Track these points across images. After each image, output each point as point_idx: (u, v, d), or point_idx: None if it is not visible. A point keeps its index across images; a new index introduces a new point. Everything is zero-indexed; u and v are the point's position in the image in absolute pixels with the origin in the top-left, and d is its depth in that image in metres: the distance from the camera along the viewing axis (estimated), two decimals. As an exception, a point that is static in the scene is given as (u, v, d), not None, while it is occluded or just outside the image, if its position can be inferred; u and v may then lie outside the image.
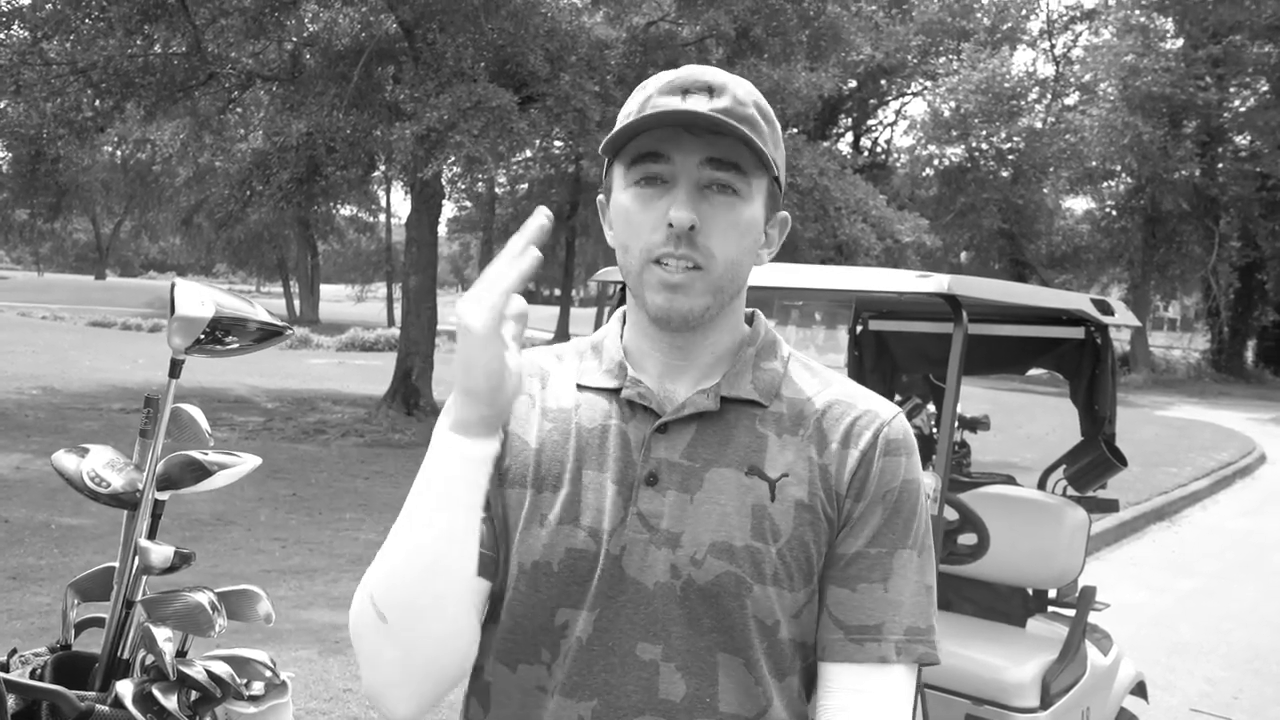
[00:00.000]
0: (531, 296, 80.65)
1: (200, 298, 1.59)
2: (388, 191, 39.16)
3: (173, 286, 1.63)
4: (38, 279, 58.47)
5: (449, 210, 44.23)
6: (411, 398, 12.78)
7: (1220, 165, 29.23)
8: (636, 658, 1.03)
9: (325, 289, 50.38)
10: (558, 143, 15.09)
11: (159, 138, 14.87)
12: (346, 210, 37.12)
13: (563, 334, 34.61)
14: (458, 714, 4.17)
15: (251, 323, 1.65)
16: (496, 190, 35.03)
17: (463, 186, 23.92)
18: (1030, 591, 3.40)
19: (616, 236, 1.10)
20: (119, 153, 24.56)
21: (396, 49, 12.11)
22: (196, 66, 11.67)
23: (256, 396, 14.22)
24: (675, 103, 1.04)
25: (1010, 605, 3.38)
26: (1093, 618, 3.31)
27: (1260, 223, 28.87)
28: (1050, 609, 3.47)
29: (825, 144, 23.69)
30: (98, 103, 11.85)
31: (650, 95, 1.06)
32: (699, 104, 1.03)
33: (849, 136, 37.80)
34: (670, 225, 1.02)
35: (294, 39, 12.57)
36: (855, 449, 1.08)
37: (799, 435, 1.10)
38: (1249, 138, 29.21)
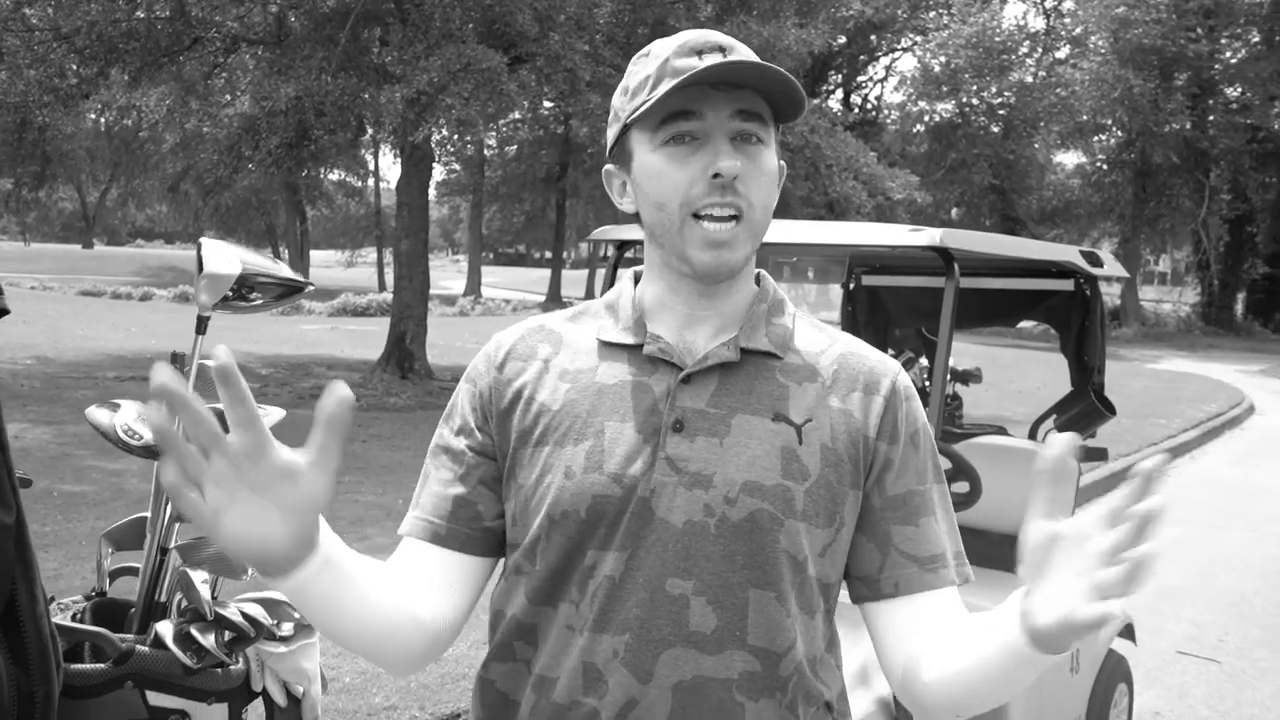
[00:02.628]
0: (522, 259, 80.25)
1: (227, 255, 1.63)
2: (375, 155, 38.93)
3: (199, 246, 1.68)
4: (24, 249, 58.08)
5: (438, 173, 43.99)
6: (406, 361, 12.82)
7: (1211, 118, 29.16)
8: (666, 593, 1.08)
9: (315, 254, 50.18)
10: (547, 103, 14.98)
11: (144, 104, 14.73)
12: (335, 175, 36.92)
13: (555, 296, 34.55)
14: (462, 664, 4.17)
15: (275, 278, 1.70)
16: (485, 152, 34.81)
17: (451, 149, 23.82)
18: (1021, 538, 3.47)
19: (648, 196, 1.13)
20: (103, 120, 24.34)
21: (383, 10, 11.99)
22: (181, 31, 11.55)
23: (250, 363, 14.24)
24: (694, 63, 1.08)
25: (1002, 552, 3.45)
26: (1082, 563, 3.38)
27: (1250, 175, 28.89)
28: (1041, 555, 3.54)
29: (815, 101, 23.58)
30: (82, 69, 11.74)
31: (667, 59, 1.10)
32: (715, 62, 1.07)
33: (839, 93, 37.62)
34: (717, 175, 1.07)
35: (278, 1, 12.44)
36: (879, 396, 1.17)
37: (817, 383, 1.16)
38: (1239, 89, 29.15)
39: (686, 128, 1.09)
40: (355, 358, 15.16)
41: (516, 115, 17.01)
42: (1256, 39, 29.15)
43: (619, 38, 11.56)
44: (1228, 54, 29.44)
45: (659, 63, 1.10)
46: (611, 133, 1.18)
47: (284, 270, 1.74)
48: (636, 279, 1.24)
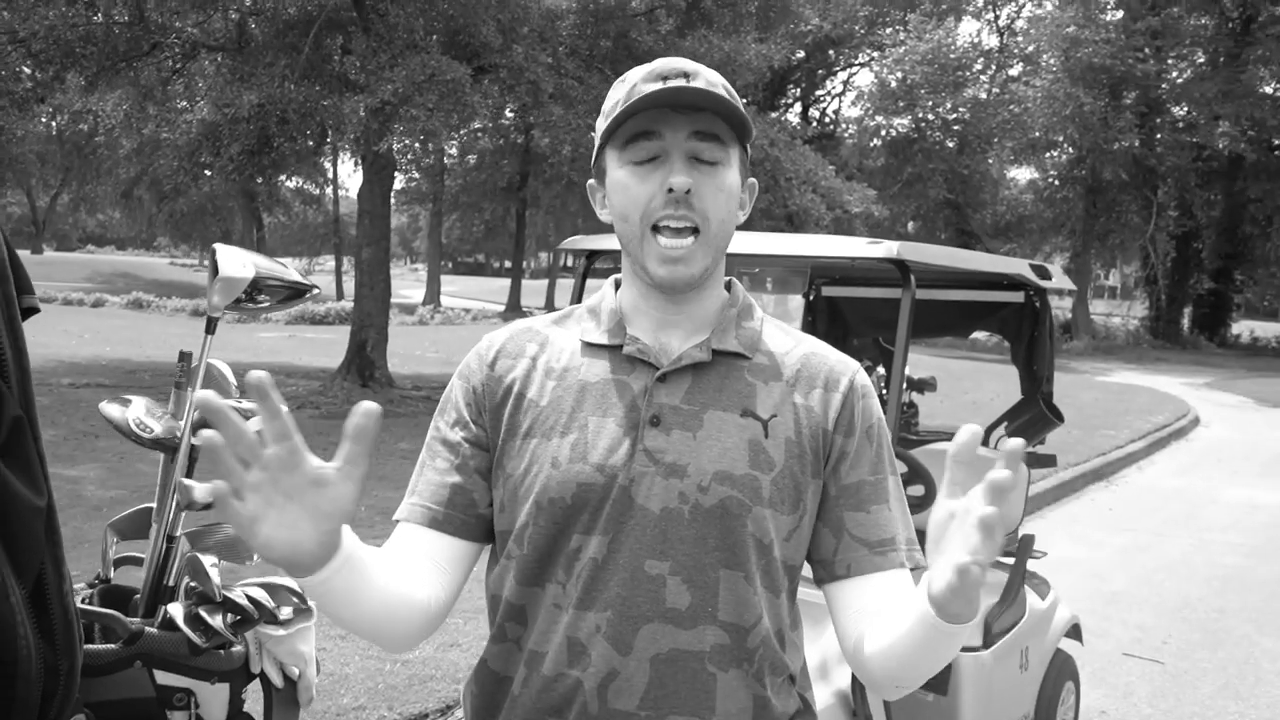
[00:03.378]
0: (481, 269, 79.98)
1: (241, 260, 1.72)
2: (335, 163, 38.67)
3: (214, 251, 1.76)
4: (-29, 254, 56.72)
5: (398, 182, 43.70)
6: (367, 370, 12.78)
7: (1159, 136, 29.86)
8: (645, 573, 1.17)
9: (271, 262, 49.54)
10: (508, 113, 15.05)
11: (100, 109, 14.57)
12: (293, 183, 36.62)
13: (514, 305, 34.49)
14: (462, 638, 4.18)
15: (284, 282, 1.78)
16: (446, 161, 34.71)
17: (412, 158, 23.74)
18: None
19: (615, 209, 1.24)
20: (54, 124, 23.96)
21: (346, 19, 12.00)
22: (139, 36, 11.47)
23: (207, 371, 14.10)
24: (657, 88, 1.18)
25: (955, 554, 3.56)
26: (1031, 565, 3.51)
27: (1196, 192, 29.62)
28: (992, 557, 3.66)
29: (774, 115, 23.83)
30: (37, 73, 11.63)
31: (635, 84, 1.21)
32: (669, 86, 1.18)
33: (798, 107, 38.02)
34: (670, 190, 1.17)
35: (239, 9, 12.39)
36: (837, 393, 1.27)
37: (782, 381, 1.26)
38: (1185, 109, 29.88)
39: (647, 147, 1.20)
40: (315, 366, 15.07)
41: (477, 125, 17.00)
42: (1201, 60, 29.94)
43: (581, 50, 11.67)
44: (1174, 74, 30.17)
45: (628, 88, 1.21)
46: (595, 152, 1.29)
47: (293, 274, 1.83)
48: (617, 285, 1.33)
